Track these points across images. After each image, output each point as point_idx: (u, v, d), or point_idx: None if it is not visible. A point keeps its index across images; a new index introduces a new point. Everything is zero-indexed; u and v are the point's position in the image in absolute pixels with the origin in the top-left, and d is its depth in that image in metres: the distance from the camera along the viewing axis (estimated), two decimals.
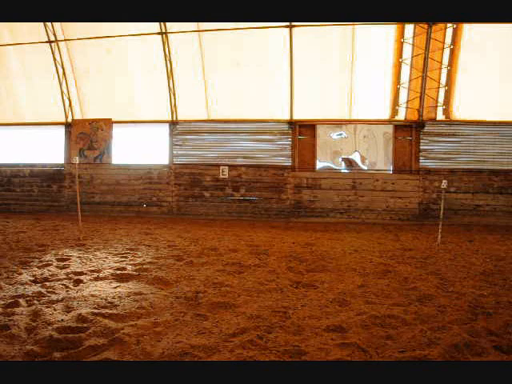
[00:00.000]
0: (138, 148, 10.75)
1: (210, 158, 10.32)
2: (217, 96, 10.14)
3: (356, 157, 9.88)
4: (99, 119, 10.68)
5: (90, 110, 10.86)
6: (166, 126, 10.53)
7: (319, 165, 10.00)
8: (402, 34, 9.18)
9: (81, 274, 4.28)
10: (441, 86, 9.30)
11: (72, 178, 10.32)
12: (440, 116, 9.50)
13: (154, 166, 10.49)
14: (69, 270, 4.41)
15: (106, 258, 5.14)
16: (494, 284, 4.16)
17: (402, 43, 9.22)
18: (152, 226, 8.45)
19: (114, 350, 2.46)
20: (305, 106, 9.83)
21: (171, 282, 4.04)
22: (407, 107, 9.55)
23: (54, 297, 3.46)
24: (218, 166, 10.19)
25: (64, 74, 10.61)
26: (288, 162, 10.05)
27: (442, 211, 6.59)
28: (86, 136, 10.74)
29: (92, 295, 3.51)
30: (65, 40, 10.41)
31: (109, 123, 10.63)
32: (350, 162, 9.93)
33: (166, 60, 10.03)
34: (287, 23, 9.28)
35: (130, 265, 4.74)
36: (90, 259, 5.02)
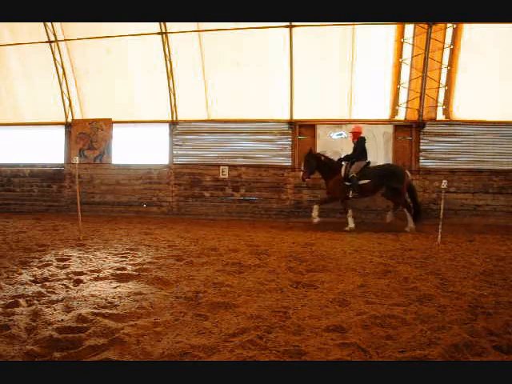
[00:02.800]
0: (138, 148, 10.76)
1: (210, 157, 10.33)
2: (217, 96, 10.14)
3: None
4: (99, 119, 10.68)
5: (90, 109, 10.87)
6: (166, 126, 10.53)
7: None
8: (402, 34, 9.18)
9: (81, 274, 4.27)
10: (441, 86, 9.30)
11: (72, 178, 10.32)
12: (440, 116, 9.51)
13: (153, 166, 10.49)
14: (69, 270, 4.41)
15: (106, 257, 5.14)
16: (494, 284, 4.15)
17: (402, 43, 9.23)
18: (152, 226, 8.45)
19: (114, 350, 2.46)
20: (305, 106, 9.84)
21: (171, 281, 4.03)
22: (407, 107, 9.56)
23: (53, 297, 3.45)
24: (218, 166, 10.19)
25: (64, 73, 10.61)
26: (288, 162, 10.05)
27: (442, 211, 6.59)
28: (86, 136, 10.74)
29: (92, 295, 3.51)
30: (65, 40, 10.42)
31: (109, 123, 10.63)
32: None
33: (165, 60, 10.04)
34: (287, 23, 9.28)
35: (130, 265, 4.73)
36: (90, 259, 5.02)
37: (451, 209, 9.21)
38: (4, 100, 11.13)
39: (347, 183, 8.33)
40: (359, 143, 8.52)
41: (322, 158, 8.70)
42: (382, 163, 9.74)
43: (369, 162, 8.63)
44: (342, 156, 8.75)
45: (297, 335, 2.75)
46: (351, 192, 8.28)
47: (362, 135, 8.61)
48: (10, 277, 4.08)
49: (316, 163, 8.61)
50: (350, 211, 8.43)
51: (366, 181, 8.21)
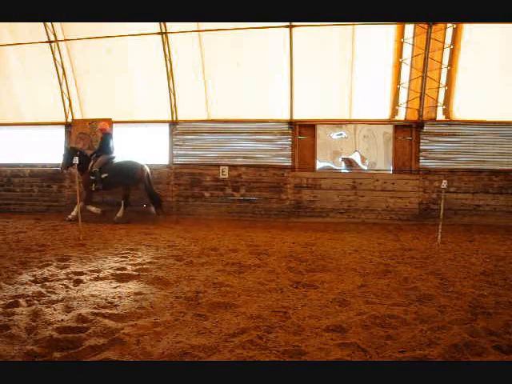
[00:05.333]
0: (138, 148, 10.74)
1: (210, 157, 10.31)
2: (217, 96, 10.13)
3: (356, 157, 9.88)
4: (99, 119, 10.66)
5: (90, 109, 10.85)
6: (166, 126, 10.51)
7: (319, 165, 9.99)
8: (402, 33, 9.17)
9: (81, 273, 4.28)
10: (441, 85, 9.29)
11: (72, 178, 10.30)
12: (440, 116, 9.49)
13: (154, 165, 10.45)
14: (69, 270, 4.41)
15: (106, 257, 5.14)
16: (494, 284, 4.16)
17: (402, 43, 9.22)
18: (152, 225, 8.45)
19: (114, 350, 2.46)
20: (305, 106, 9.82)
21: (171, 282, 4.04)
22: (407, 107, 9.55)
23: (53, 297, 3.46)
24: (218, 166, 10.18)
25: (64, 74, 10.60)
26: (288, 162, 10.04)
27: (442, 211, 6.59)
28: (86, 136, 10.73)
29: (92, 295, 3.51)
30: (65, 40, 10.40)
31: (109, 123, 10.61)
32: (350, 162, 9.93)
33: (166, 60, 10.03)
34: (287, 23, 9.27)
35: (130, 265, 4.74)
36: (90, 259, 5.02)
37: (451, 209, 9.21)
38: (4, 100, 11.11)
39: (92, 177, 9.02)
40: (103, 139, 9.37)
41: (78, 152, 9.18)
42: (382, 163, 9.76)
43: (113, 157, 9.34)
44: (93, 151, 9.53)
45: (297, 335, 2.75)
46: (93, 185, 9.00)
47: (107, 132, 9.49)
48: (10, 277, 4.09)
49: (72, 157, 9.08)
50: (89, 205, 9.16)
51: (106, 175, 8.92)
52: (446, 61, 9.13)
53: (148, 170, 9.31)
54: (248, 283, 4.02)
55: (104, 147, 9.34)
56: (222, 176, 10.13)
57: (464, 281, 4.25)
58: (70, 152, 9.29)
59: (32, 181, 10.89)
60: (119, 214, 9.07)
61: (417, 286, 3.99)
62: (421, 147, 9.55)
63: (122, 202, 9.17)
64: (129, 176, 9.11)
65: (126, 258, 5.16)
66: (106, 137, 9.45)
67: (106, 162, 9.16)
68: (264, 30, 9.43)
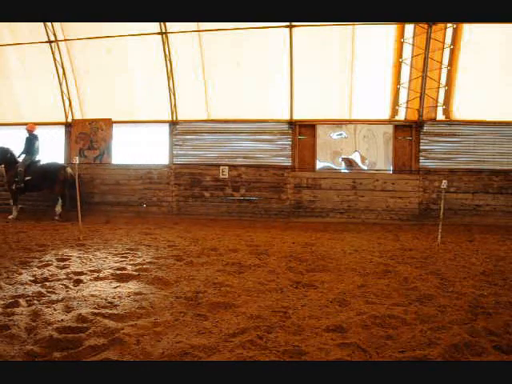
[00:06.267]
0: (138, 148, 10.74)
1: (210, 157, 10.32)
2: (217, 96, 10.13)
3: (356, 157, 9.88)
4: (99, 119, 10.67)
5: (90, 109, 10.85)
6: (166, 126, 10.52)
7: (319, 165, 9.99)
8: (402, 33, 9.17)
9: (81, 274, 4.28)
10: (441, 85, 9.29)
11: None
12: (440, 116, 9.49)
13: (154, 166, 10.47)
14: (69, 270, 4.41)
15: (106, 257, 5.14)
16: (494, 284, 4.16)
17: (402, 43, 9.22)
18: (152, 225, 8.45)
19: (114, 349, 2.46)
20: (305, 106, 9.82)
21: (171, 282, 4.04)
22: (407, 107, 9.55)
23: (53, 297, 3.46)
24: (218, 166, 10.18)
25: (64, 73, 10.60)
26: (288, 162, 10.04)
27: (442, 211, 6.59)
28: (86, 136, 10.73)
29: (92, 295, 3.51)
30: (65, 40, 10.41)
31: (109, 123, 10.62)
32: (350, 162, 9.93)
33: (166, 60, 10.03)
34: (287, 23, 9.27)
35: (130, 265, 4.73)
36: (90, 259, 5.02)
37: (451, 209, 9.20)
38: (4, 100, 11.12)
39: (16, 178, 9.22)
40: (27, 140, 9.51)
41: (8, 154, 9.48)
42: (382, 163, 9.76)
43: (38, 160, 9.56)
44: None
45: (297, 335, 2.75)
46: (15, 185, 9.17)
47: (34, 133, 9.64)
48: (10, 277, 4.08)
49: (2, 157, 9.48)
50: (16, 204, 9.28)
51: (29, 177, 9.11)
52: (446, 61, 9.13)
53: (70, 171, 9.40)
54: (248, 283, 4.02)
55: (28, 148, 9.48)
56: (221, 176, 10.13)
57: (464, 281, 4.25)
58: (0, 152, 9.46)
59: None
60: (57, 207, 9.19)
61: (417, 285, 3.99)
62: (421, 147, 9.55)
63: (59, 199, 9.22)
64: (52, 178, 9.24)
65: (126, 258, 5.16)
66: (31, 137, 9.60)
67: (30, 164, 9.30)
68: (264, 29, 9.43)
